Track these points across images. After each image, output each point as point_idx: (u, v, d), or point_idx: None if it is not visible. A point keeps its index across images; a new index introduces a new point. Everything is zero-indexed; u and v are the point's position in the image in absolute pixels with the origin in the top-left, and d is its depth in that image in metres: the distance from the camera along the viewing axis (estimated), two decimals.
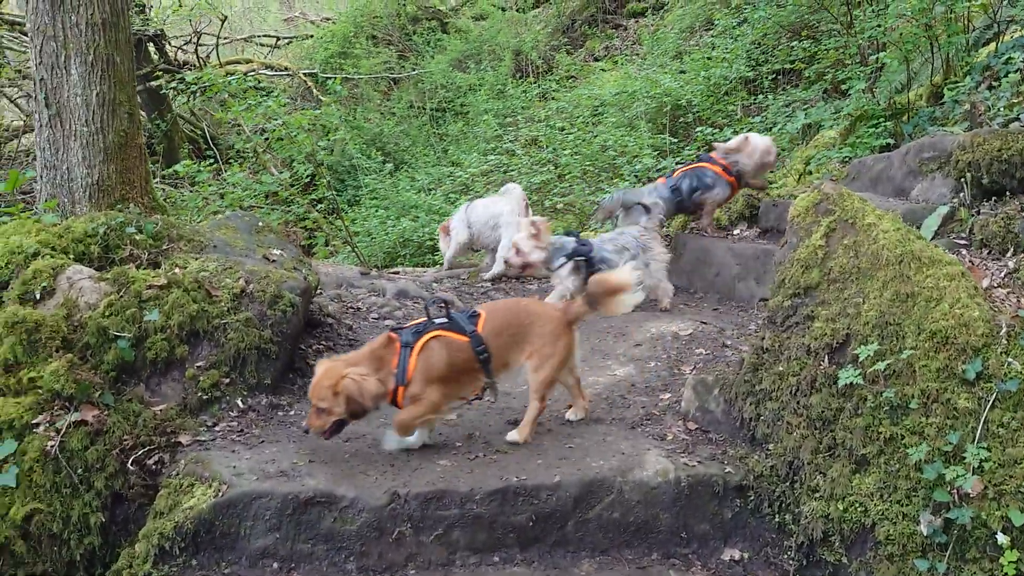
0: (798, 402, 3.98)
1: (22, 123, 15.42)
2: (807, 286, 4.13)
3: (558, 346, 4.28)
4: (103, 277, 4.61)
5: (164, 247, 5.30)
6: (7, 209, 5.55)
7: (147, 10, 16.37)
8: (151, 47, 17.35)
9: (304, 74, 18.63)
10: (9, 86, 15.14)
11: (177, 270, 4.84)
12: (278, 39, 21.66)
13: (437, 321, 4.28)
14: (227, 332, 4.59)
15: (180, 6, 16.28)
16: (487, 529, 3.81)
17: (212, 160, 15.60)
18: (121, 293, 4.53)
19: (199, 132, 17.80)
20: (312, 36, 21.17)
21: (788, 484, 3.95)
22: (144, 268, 5.05)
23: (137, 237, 5.14)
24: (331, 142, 14.23)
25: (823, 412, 3.86)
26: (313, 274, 5.76)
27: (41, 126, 6.74)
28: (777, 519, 3.95)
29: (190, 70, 17.96)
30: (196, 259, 5.11)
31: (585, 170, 10.86)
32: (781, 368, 4.10)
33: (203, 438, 4.21)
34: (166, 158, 17.25)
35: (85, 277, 4.58)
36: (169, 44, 18.12)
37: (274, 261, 5.60)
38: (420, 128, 17.37)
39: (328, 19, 23.14)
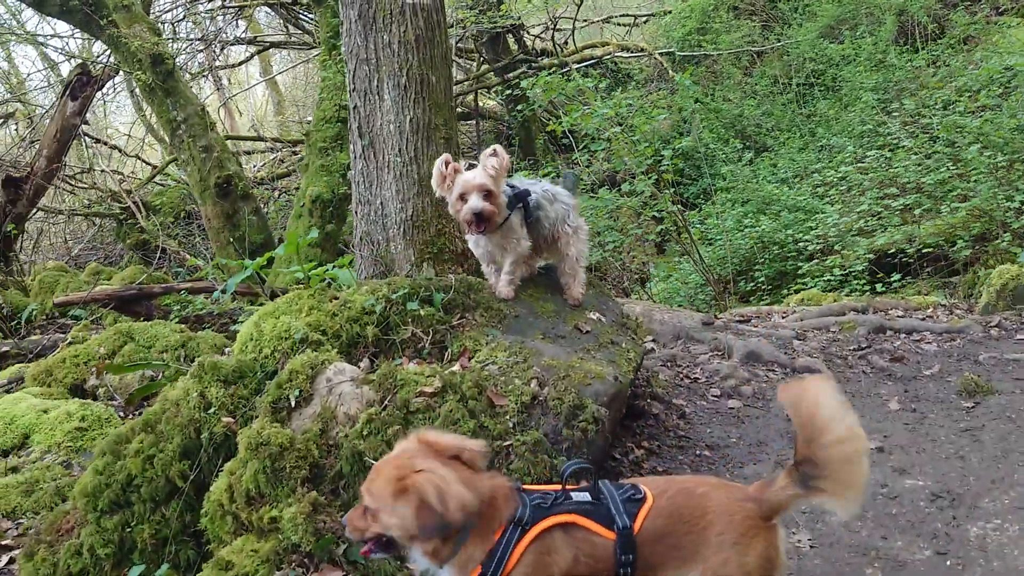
0: None
1: None
2: None
3: (748, 561, 2.48)
4: (367, 379, 3.61)
5: (455, 321, 4.23)
6: (298, 269, 4.77)
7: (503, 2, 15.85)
8: (510, 38, 16.98)
9: (660, 54, 17.24)
10: None
11: (457, 366, 3.73)
12: (636, 18, 20.43)
13: (576, 496, 2.60)
14: (509, 459, 3.39)
15: None
16: None
17: (567, 150, 14.79)
18: (385, 403, 3.50)
19: (557, 119, 17.12)
20: (670, 12, 19.65)
21: None
22: (426, 353, 4.02)
23: (421, 312, 4.12)
24: (680, 138, 12.71)
25: None
26: (636, 349, 4.41)
27: (355, 158, 6.04)
28: None
29: (547, 58, 17.37)
30: (488, 341, 3.99)
31: (996, 165, 8.36)
32: None
33: None
34: (523, 149, 16.83)
35: (347, 379, 3.60)
36: (527, 33, 17.63)
37: (588, 332, 4.34)
38: (784, 107, 15.30)
39: None
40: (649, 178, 7.92)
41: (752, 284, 10.61)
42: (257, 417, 3.55)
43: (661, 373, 5.09)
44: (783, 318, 6.23)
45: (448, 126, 6.00)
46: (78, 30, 12.62)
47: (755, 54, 17.17)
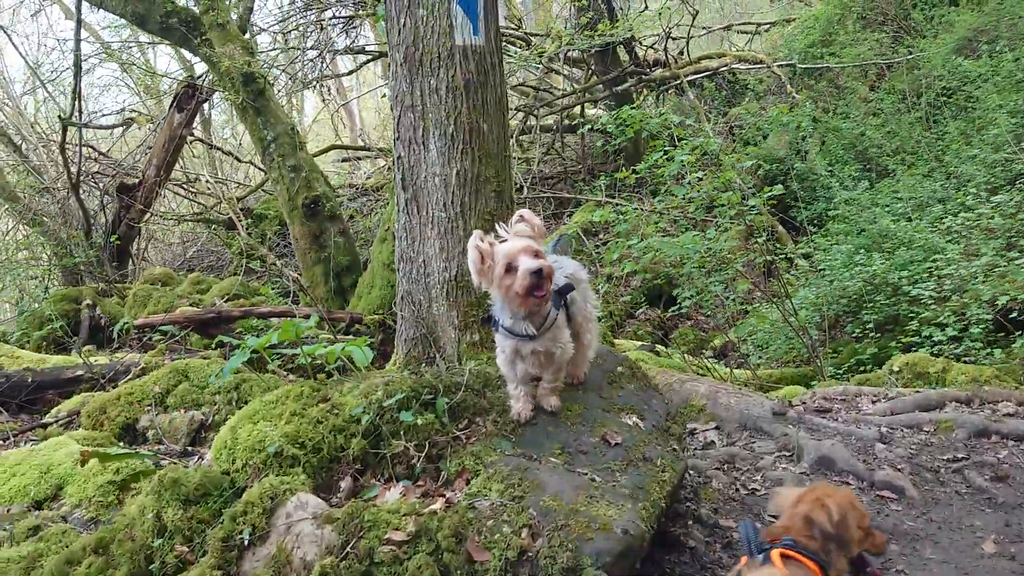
0: None
1: None
2: None
3: None
4: (330, 517, 3.07)
5: (460, 429, 3.64)
6: (317, 348, 4.27)
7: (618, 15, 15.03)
8: (620, 49, 16.17)
9: (779, 66, 16.10)
10: None
11: (439, 504, 3.14)
12: (757, 26, 19.25)
13: None
14: None
15: (646, 7, 14.76)
16: None
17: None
18: (347, 548, 2.95)
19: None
20: (793, 20, 18.40)
21: None
22: (419, 471, 3.44)
23: (418, 422, 3.54)
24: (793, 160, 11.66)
25: None
26: (674, 465, 3.71)
27: (399, 211, 5.55)
28: None
29: (660, 69, 16.52)
30: (490, 462, 3.38)
31: None
32: None
33: None
34: (629, 163, 16.03)
35: (307, 516, 3.07)
36: (640, 44, 16.79)
37: (617, 445, 3.68)
38: (910, 127, 13.94)
39: None
40: (735, 226, 7.08)
41: (859, 330, 9.62)
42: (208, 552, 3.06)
43: (715, 479, 4.36)
44: (873, 403, 5.36)
45: (500, 178, 5.44)
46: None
47: (883, 67, 15.81)
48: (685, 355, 8.41)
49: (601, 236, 13.79)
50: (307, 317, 9.84)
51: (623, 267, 7.26)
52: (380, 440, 3.51)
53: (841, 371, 8.96)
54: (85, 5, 12.05)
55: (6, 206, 14.48)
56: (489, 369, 4.04)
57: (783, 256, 11.46)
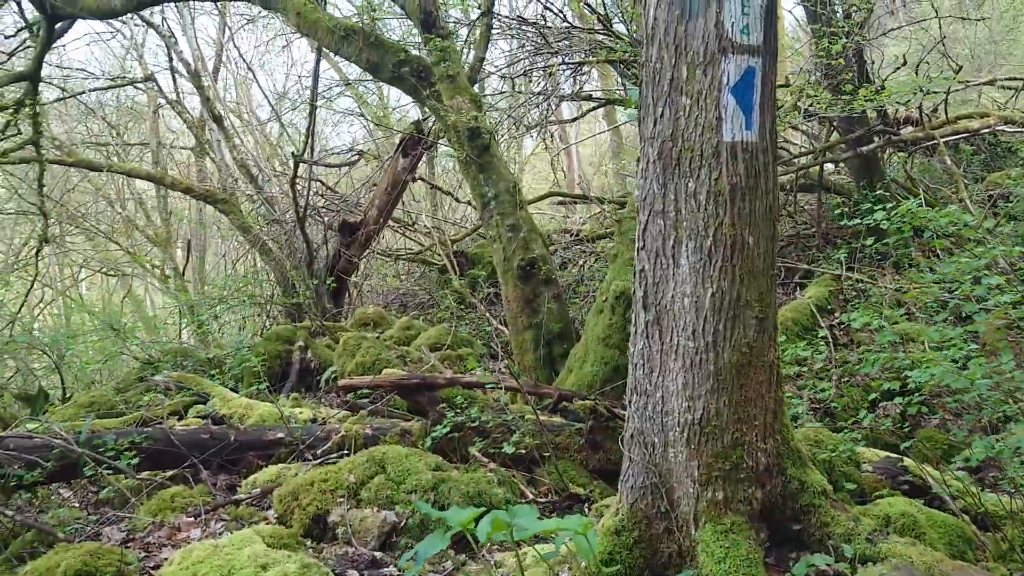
0: None
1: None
2: None
3: None
4: None
5: None
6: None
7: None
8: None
9: None
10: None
11: None
12: None
13: None
14: None
15: (904, 63, 13.05)
16: None
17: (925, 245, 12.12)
18: None
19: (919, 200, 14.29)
20: None
21: None
22: None
23: None
24: None
25: None
26: None
27: (636, 333, 4.55)
28: None
29: (911, 128, 14.70)
30: None
31: None
32: None
33: None
34: (872, 235, 14.26)
35: None
36: (889, 101, 15.00)
37: None
38: None
39: None
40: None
41: None
42: None
43: None
44: None
45: (763, 302, 4.34)
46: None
47: None
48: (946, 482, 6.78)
49: (837, 315, 12.23)
50: (509, 390, 9.08)
51: (891, 398, 5.88)
52: None
53: None
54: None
55: (238, 235, 14.83)
56: None
57: None
